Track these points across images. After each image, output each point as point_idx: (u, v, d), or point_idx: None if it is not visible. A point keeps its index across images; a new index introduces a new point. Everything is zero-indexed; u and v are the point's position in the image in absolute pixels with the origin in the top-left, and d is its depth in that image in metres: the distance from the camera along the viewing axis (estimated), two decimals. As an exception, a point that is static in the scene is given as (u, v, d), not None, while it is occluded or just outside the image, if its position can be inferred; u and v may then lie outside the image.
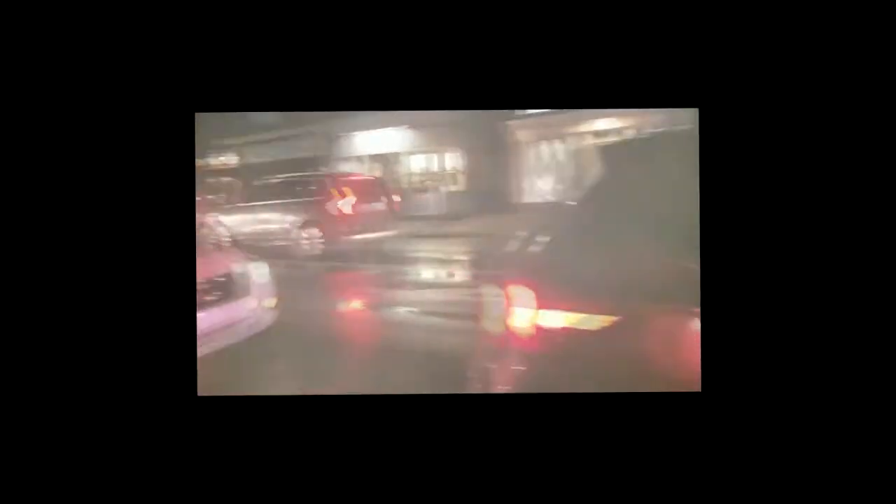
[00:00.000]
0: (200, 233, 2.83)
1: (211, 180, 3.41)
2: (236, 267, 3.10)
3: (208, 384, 2.66)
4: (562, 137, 3.11)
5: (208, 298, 2.85)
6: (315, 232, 5.57)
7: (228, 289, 2.98)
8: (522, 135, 3.35)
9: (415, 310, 3.43)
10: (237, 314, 2.94)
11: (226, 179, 3.63)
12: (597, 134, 3.03)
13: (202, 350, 2.72)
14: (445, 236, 4.09)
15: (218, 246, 3.74)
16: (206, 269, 2.92)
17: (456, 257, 4.22)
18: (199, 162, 2.93)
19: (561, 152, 3.13)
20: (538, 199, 3.20)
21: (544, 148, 3.21)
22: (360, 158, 4.09)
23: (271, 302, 3.07)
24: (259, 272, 3.15)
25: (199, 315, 2.70)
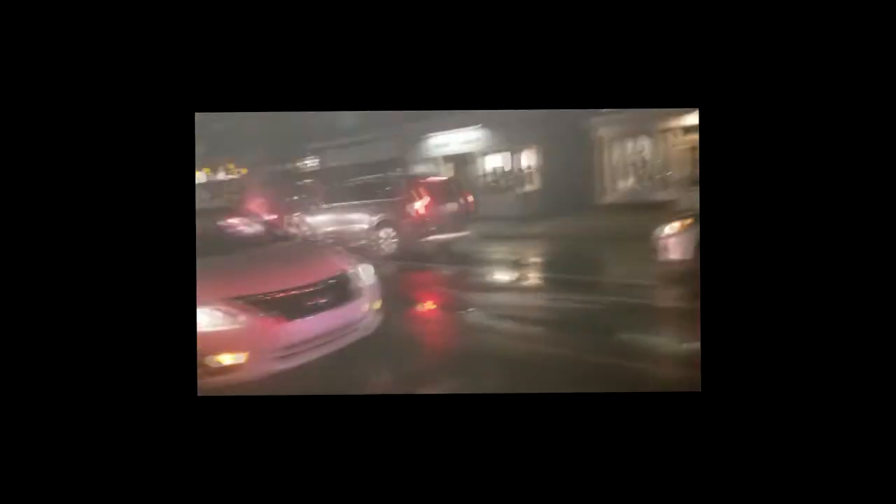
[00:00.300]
0: (311, 234, 2.77)
1: (297, 183, 3.49)
2: (348, 268, 2.90)
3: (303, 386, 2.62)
4: (649, 133, 3.05)
5: (321, 301, 2.66)
6: (390, 232, 5.66)
7: (340, 291, 2.76)
8: (604, 132, 3.30)
9: (491, 312, 3.41)
10: (352, 317, 2.74)
11: (307, 181, 3.71)
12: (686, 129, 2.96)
13: (309, 354, 2.57)
14: (522, 237, 4.06)
15: (328, 247, 3.66)
16: (319, 270, 2.80)
17: (532, 259, 4.18)
18: (285, 165, 2.98)
19: (648, 149, 3.07)
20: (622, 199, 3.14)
21: (630, 145, 3.16)
22: (435, 160, 4.10)
23: (378, 304, 2.93)
24: (367, 273, 2.96)
25: (310, 318, 2.59)
